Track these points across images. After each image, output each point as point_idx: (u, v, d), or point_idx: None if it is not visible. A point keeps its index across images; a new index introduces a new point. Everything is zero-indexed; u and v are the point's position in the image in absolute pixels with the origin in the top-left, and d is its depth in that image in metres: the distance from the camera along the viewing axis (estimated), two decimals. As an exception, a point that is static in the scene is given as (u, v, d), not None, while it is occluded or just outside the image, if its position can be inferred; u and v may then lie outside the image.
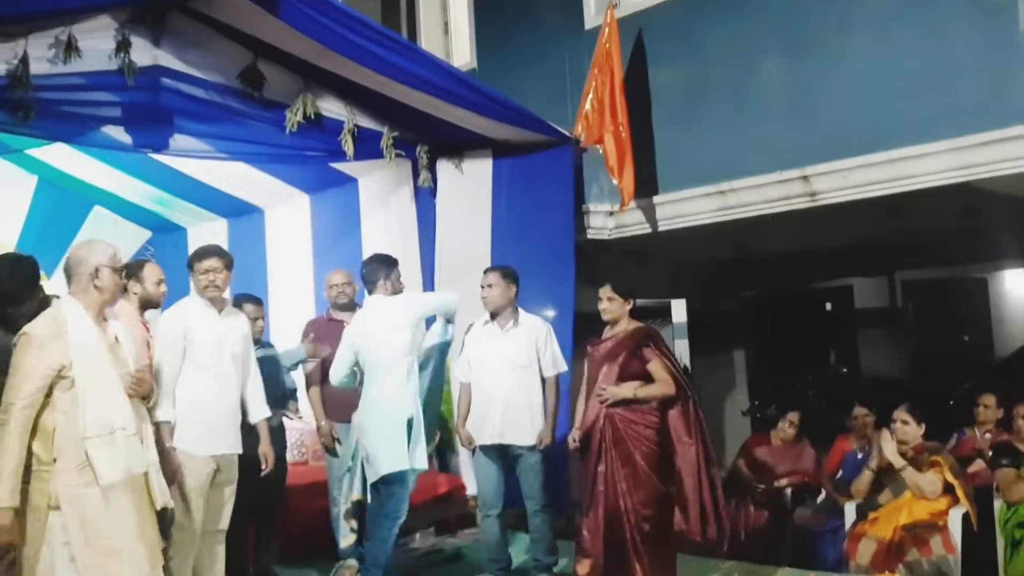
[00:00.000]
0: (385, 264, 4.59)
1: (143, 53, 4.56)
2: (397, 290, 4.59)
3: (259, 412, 4.16)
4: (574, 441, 4.40)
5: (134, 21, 4.50)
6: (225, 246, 7.38)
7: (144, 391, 3.36)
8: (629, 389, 4.21)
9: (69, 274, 3.26)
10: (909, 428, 4.93)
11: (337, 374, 4.50)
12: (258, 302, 4.90)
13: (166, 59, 4.69)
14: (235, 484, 3.99)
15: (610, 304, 4.40)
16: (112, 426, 3.13)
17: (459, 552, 5.26)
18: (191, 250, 6.98)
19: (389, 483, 4.28)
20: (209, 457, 3.86)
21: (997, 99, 4.60)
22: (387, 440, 4.25)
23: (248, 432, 4.12)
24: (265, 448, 4.15)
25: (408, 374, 4.35)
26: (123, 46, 4.47)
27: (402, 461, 4.25)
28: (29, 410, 3.03)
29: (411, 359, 4.38)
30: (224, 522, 3.95)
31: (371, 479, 4.32)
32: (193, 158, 5.91)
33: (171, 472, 3.63)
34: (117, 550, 3.07)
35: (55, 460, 3.04)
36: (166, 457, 3.62)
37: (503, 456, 4.62)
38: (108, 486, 3.08)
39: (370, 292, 4.57)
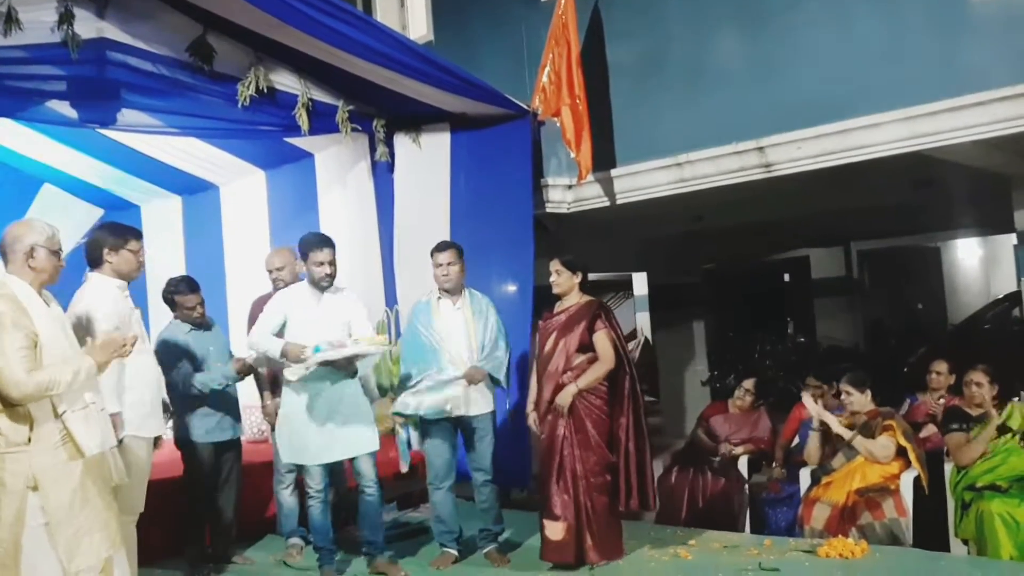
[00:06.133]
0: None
1: (87, 25, 4.45)
2: None
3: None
4: (535, 424, 4.47)
5: (77, -8, 4.39)
6: (180, 223, 7.40)
7: (121, 350, 3.28)
8: (569, 394, 4.31)
9: (4, 253, 3.19)
10: (854, 398, 5.11)
11: None
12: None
13: (111, 31, 4.58)
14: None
15: (558, 277, 4.48)
16: (84, 400, 3.12)
17: (421, 525, 5.27)
18: (145, 228, 7.03)
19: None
20: (151, 439, 3.85)
21: (948, 69, 4.65)
22: None
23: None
24: None
25: None
26: (66, 18, 4.36)
27: None
28: (30, 362, 2.95)
29: None
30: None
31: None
32: (142, 133, 5.79)
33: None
34: (91, 526, 3.06)
35: (29, 440, 2.99)
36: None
37: (456, 429, 4.64)
38: (88, 460, 3.06)
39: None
